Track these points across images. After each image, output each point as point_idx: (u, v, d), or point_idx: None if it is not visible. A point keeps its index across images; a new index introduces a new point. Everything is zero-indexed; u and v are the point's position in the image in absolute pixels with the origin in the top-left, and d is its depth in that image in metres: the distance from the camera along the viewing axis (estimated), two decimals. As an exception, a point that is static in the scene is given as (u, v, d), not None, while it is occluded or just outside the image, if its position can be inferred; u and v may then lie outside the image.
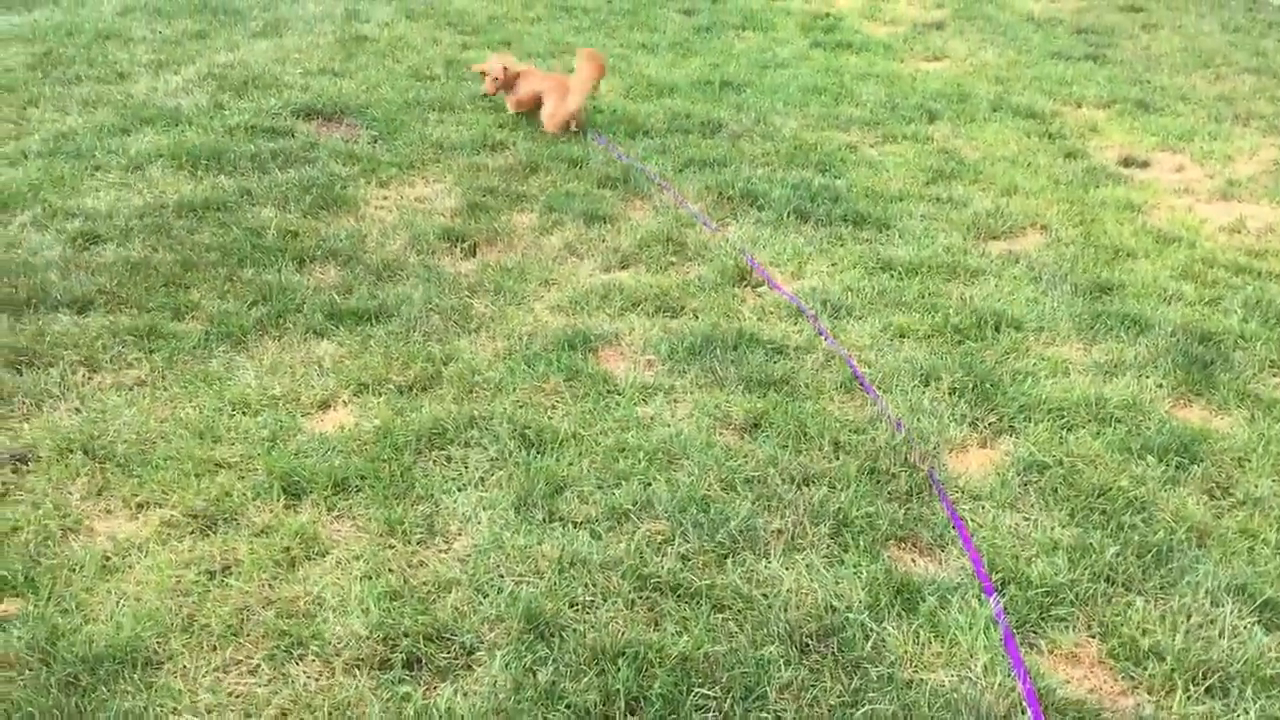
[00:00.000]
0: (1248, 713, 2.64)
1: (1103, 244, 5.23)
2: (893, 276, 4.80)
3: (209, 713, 2.54)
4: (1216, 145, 6.71)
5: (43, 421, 3.56)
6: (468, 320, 4.31)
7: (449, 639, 2.76)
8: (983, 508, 3.35)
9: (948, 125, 6.94)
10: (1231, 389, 4.03)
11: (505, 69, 6.40)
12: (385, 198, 5.49)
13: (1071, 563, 3.09)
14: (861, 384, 3.95)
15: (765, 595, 2.94)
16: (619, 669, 2.65)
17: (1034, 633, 2.89)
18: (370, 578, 2.95)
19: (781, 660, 2.73)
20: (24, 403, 3.65)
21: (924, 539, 3.20)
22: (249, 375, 3.86)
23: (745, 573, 3.02)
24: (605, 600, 2.90)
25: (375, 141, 6.15)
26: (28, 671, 2.61)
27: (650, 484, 3.35)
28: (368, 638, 2.74)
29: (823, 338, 4.25)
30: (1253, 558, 3.18)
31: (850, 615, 2.87)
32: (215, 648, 2.72)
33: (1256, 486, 3.50)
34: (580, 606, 2.88)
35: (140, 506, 3.22)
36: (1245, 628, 2.89)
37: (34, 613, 2.79)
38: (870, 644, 2.79)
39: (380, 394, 3.79)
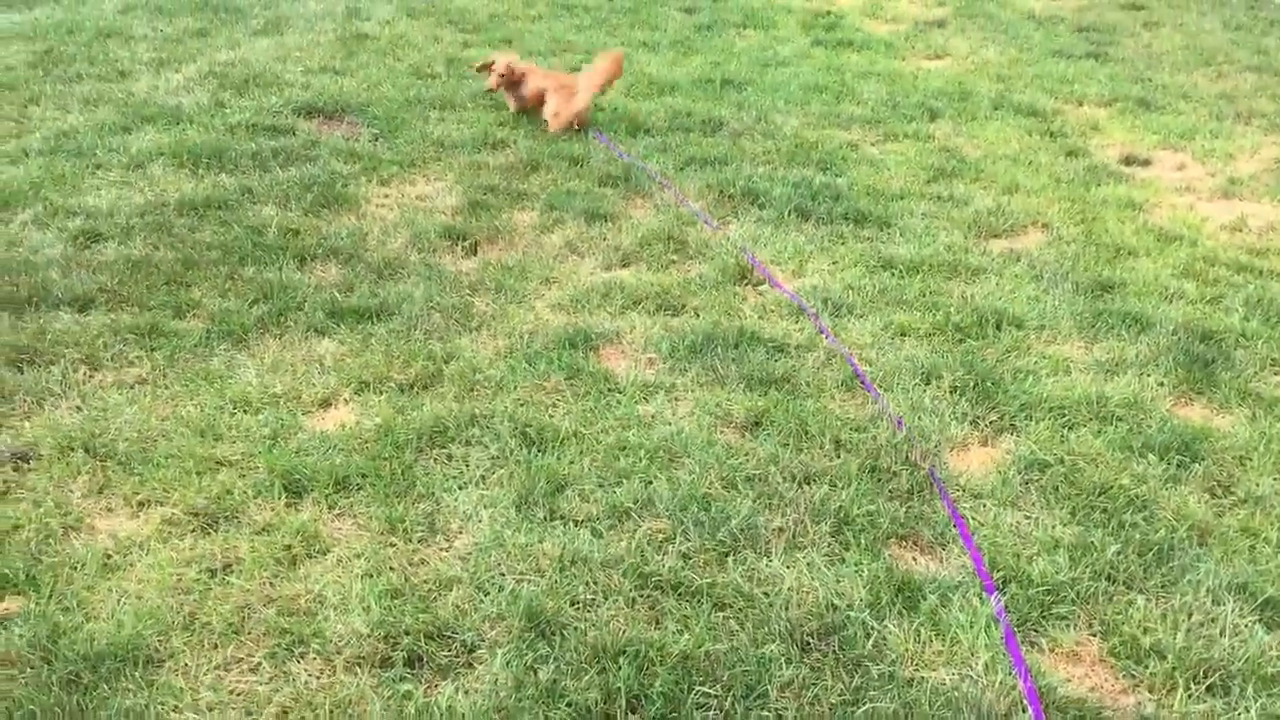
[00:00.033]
0: (1249, 711, 2.64)
1: (1104, 242, 5.23)
2: (894, 275, 4.80)
3: (210, 711, 2.54)
4: (1218, 143, 6.71)
5: (44, 419, 3.57)
6: (469, 318, 4.31)
7: (450, 637, 2.76)
8: (984, 506, 3.35)
9: (949, 123, 6.93)
10: (1233, 387, 4.03)
11: (510, 67, 6.39)
12: (386, 196, 5.49)
13: (1072, 561, 3.09)
14: (862, 382, 3.95)
15: (766, 594, 2.94)
16: (620, 667, 2.65)
17: (1035, 631, 2.89)
18: (371, 576, 2.95)
19: (782, 658, 2.73)
20: (25, 401, 3.66)
21: (925, 537, 3.20)
22: (250, 373, 3.86)
23: (746, 571, 3.02)
24: (606, 598, 2.90)
25: (376, 140, 6.15)
26: (29, 669, 2.61)
27: (651, 482, 3.35)
28: (369, 636, 2.74)
29: (824, 336, 4.25)
30: (1254, 556, 3.18)
31: (851, 613, 2.87)
32: (216, 646, 2.73)
33: (1258, 485, 3.50)
34: (581, 605, 2.89)
35: (141, 504, 3.22)
36: (1246, 626, 2.89)
37: (35, 611, 2.79)
38: (871, 642, 2.79)
39: (381, 392, 3.79)
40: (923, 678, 2.70)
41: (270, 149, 5.82)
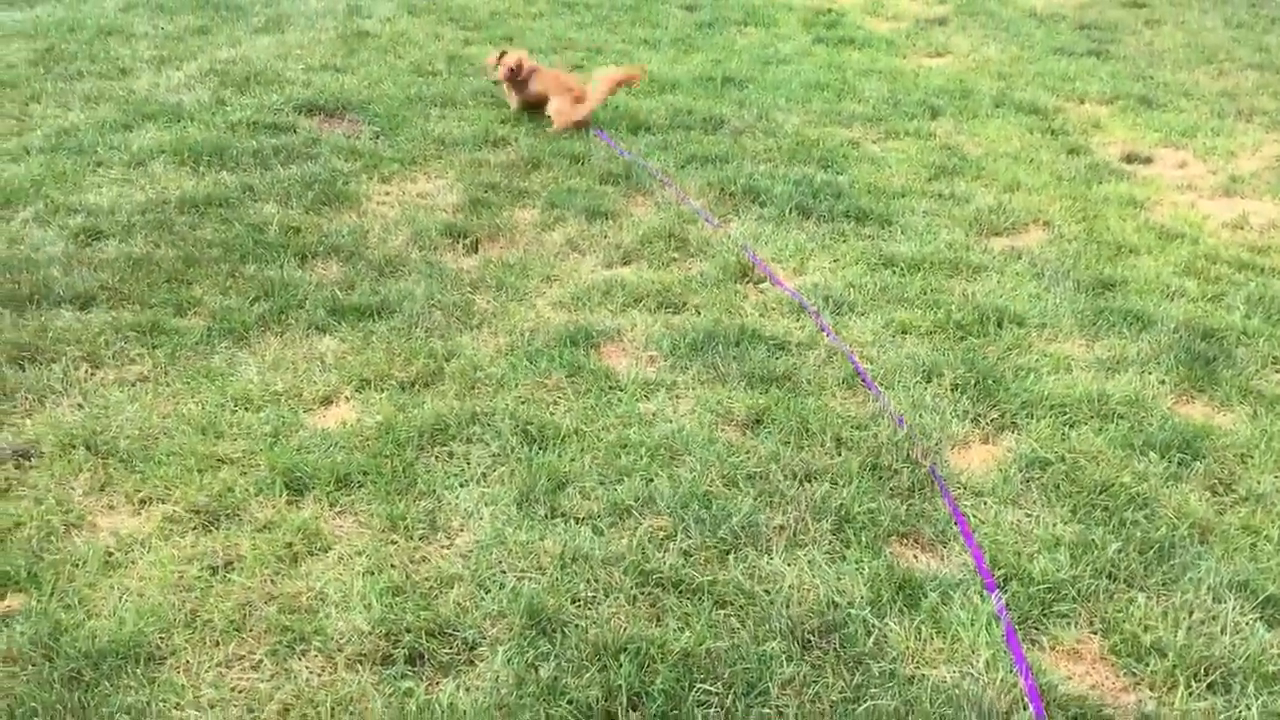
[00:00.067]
0: (1249, 709, 2.64)
1: (1105, 240, 5.23)
2: (895, 272, 4.80)
3: (212, 708, 2.54)
4: (1219, 141, 6.70)
5: (45, 417, 3.57)
6: (470, 316, 4.31)
7: (451, 634, 2.77)
8: (985, 504, 3.35)
9: (950, 121, 6.93)
10: (1234, 385, 4.03)
11: (521, 63, 6.38)
12: (387, 193, 5.49)
13: (1073, 559, 3.09)
14: (863, 380, 3.95)
15: (767, 591, 2.94)
16: (621, 665, 2.66)
17: (1036, 629, 2.89)
18: (372, 573, 2.96)
19: (783, 656, 2.73)
20: (27, 398, 3.66)
21: (926, 535, 3.21)
22: (251, 371, 3.86)
23: (747, 569, 3.02)
24: (607, 596, 2.90)
25: (377, 137, 6.15)
26: (31, 667, 2.62)
27: (652, 480, 3.35)
28: (370, 633, 2.74)
29: (825, 334, 4.25)
30: (1255, 554, 3.18)
31: (852, 611, 2.87)
32: (218, 643, 2.73)
33: (1259, 483, 3.50)
34: (582, 602, 2.89)
35: (143, 502, 3.22)
36: (1247, 624, 2.89)
37: (37, 608, 2.79)
38: (872, 640, 2.80)
39: (382, 390, 3.79)
40: (924, 675, 2.70)
41: (271, 147, 5.82)
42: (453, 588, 2.92)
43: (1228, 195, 5.97)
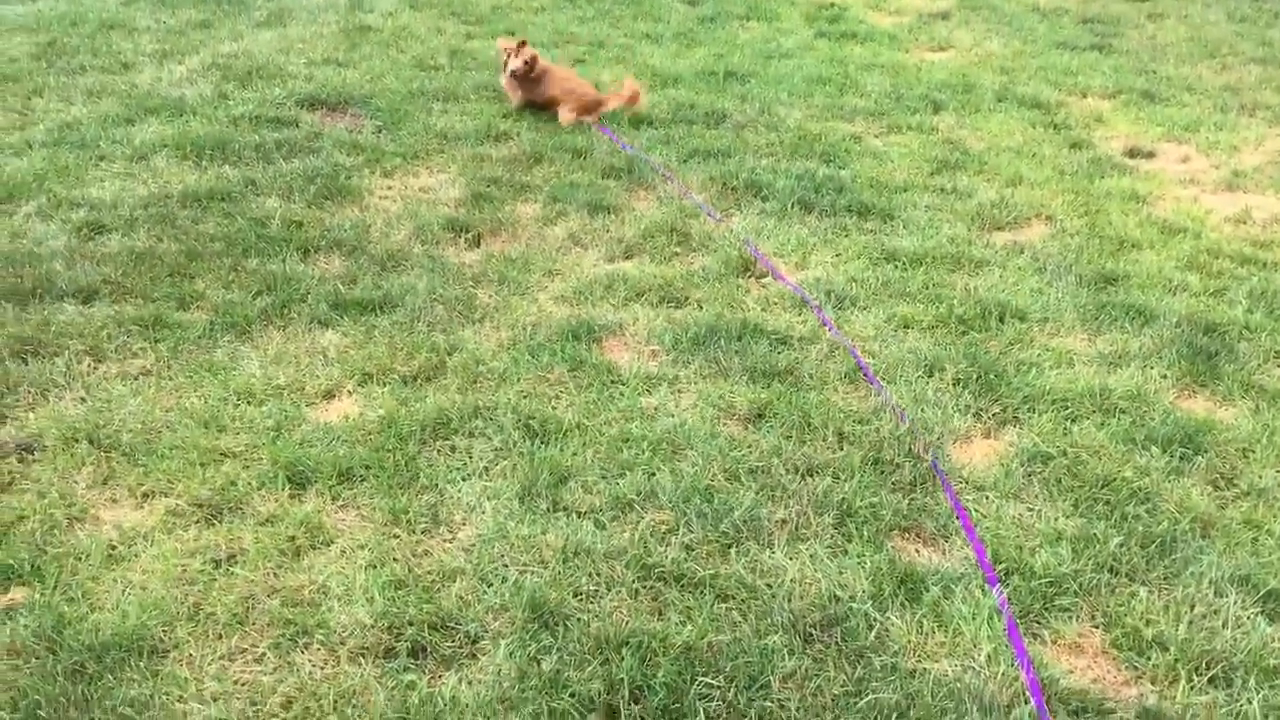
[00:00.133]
0: (1251, 703, 2.64)
1: (1108, 235, 5.22)
2: (897, 267, 4.79)
3: (215, 701, 2.55)
4: (1222, 136, 6.69)
5: (48, 411, 3.57)
6: (472, 310, 4.31)
7: (453, 628, 2.77)
8: (986, 498, 3.35)
9: (953, 116, 6.92)
10: (1236, 380, 4.02)
11: (535, 58, 6.35)
12: (389, 188, 5.48)
13: (1075, 553, 3.09)
14: (865, 375, 3.95)
15: (769, 585, 2.94)
16: (623, 658, 2.66)
17: (1037, 623, 2.89)
18: (375, 567, 2.96)
19: (785, 649, 2.73)
20: (30, 392, 3.66)
21: (928, 529, 3.21)
22: (254, 365, 3.86)
23: (749, 563, 3.03)
24: (609, 590, 2.91)
25: (379, 132, 6.14)
26: (34, 660, 2.63)
27: (654, 474, 3.36)
28: (372, 626, 2.75)
29: (827, 328, 4.25)
30: (1256, 548, 3.18)
31: (854, 605, 2.88)
32: (221, 636, 2.73)
33: (1261, 477, 3.50)
34: (584, 596, 2.89)
35: (146, 496, 3.23)
36: (1249, 618, 2.89)
37: (40, 601, 2.80)
38: (874, 634, 2.80)
39: (385, 384, 3.80)
40: (925, 669, 2.71)
41: (273, 141, 5.82)
42: (455, 581, 2.93)
43: (1230, 190, 5.96)
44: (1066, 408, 3.80)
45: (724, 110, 6.70)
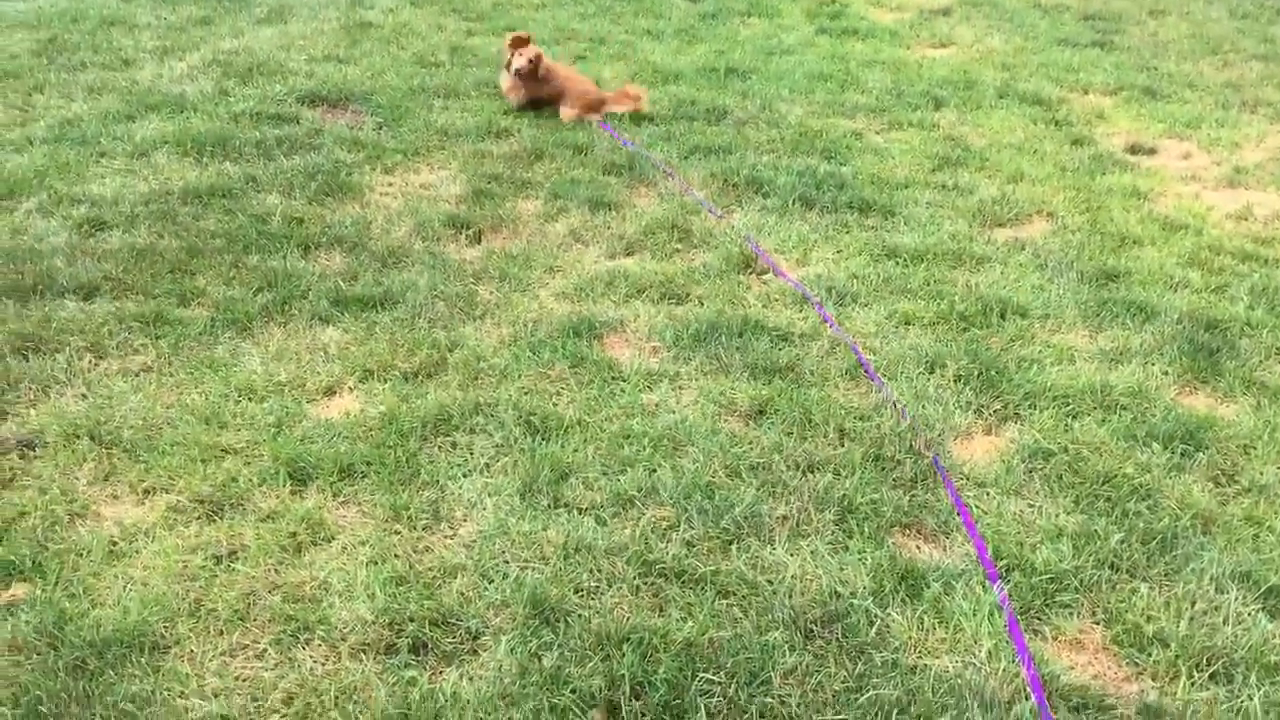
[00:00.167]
0: (1252, 699, 2.64)
1: (1109, 231, 5.22)
2: (898, 264, 4.79)
3: (216, 696, 2.55)
4: (1224, 132, 6.69)
5: (49, 407, 3.57)
6: (473, 307, 4.31)
7: (454, 624, 2.77)
8: (987, 494, 3.35)
9: (954, 112, 6.92)
10: (1237, 376, 4.02)
11: (540, 56, 6.34)
12: (390, 184, 5.48)
13: (1076, 549, 3.09)
14: (866, 371, 3.95)
15: (770, 581, 2.95)
16: (624, 654, 2.66)
17: (1038, 619, 2.89)
18: (376, 563, 2.96)
19: (786, 646, 2.73)
20: (31, 388, 3.67)
21: (928, 525, 3.21)
22: (255, 362, 3.87)
23: (750, 559, 3.03)
24: (610, 586, 2.91)
25: (380, 128, 6.14)
26: (36, 656, 2.63)
27: (655, 470, 3.36)
28: (373, 622, 2.75)
29: (828, 325, 4.25)
30: (1257, 545, 3.18)
31: (854, 601, 2.88)
32: (222, 632, 2.74)
33: (1262, 474, 3.50)
34: (585, 592, 2.89)
35: (147, 492, 3.23)
36: (1249, 614, 2.89)
37: (42, 597, 2.80)
38: (874, 630, 2.80)
39: (386, 380, 3.80)
40: (926, 665, 2.71)
41: (274, 137, 5.82)
42: (456, 577, 2.93)
43: (1232, 186, 5.96)
44: (1067, 404, 3.79)
45: (725, 107, 6.70)
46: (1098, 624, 2.89)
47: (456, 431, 3.53)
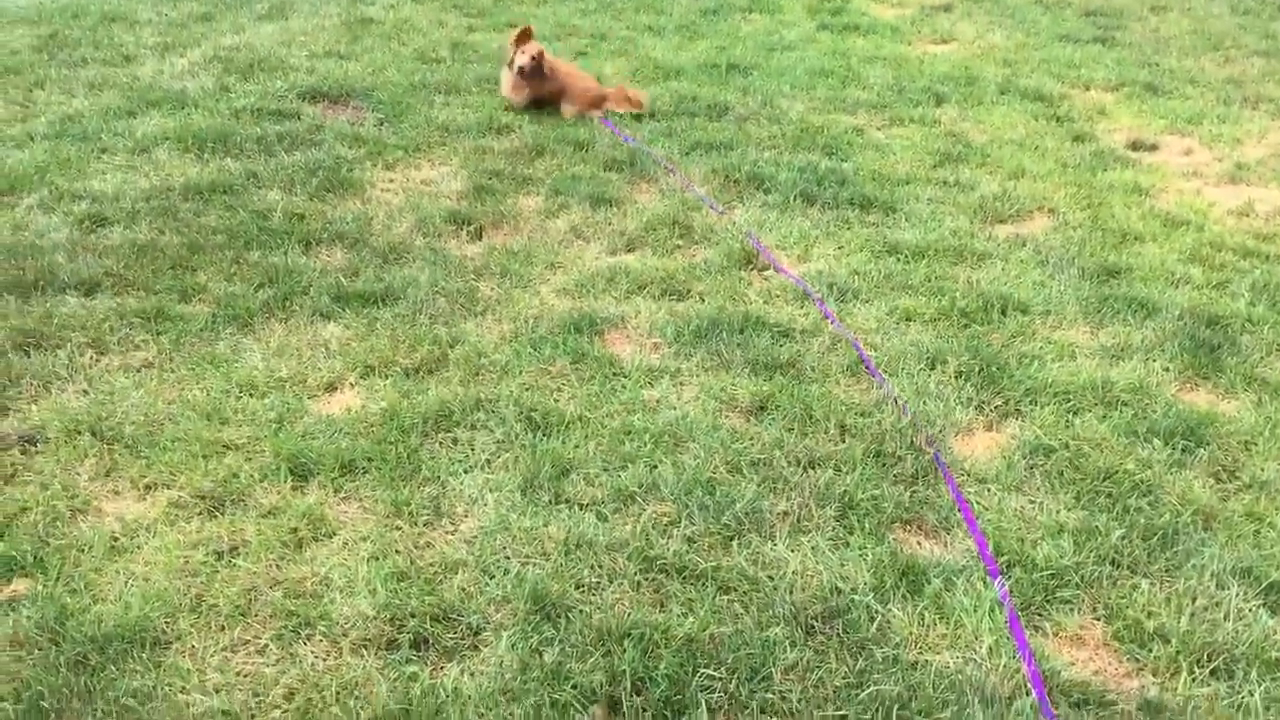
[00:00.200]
0: (1252, 695, 2.64)
1: (1110, 227, 5.22)
2: (899, 260, 4.79)
3: (217, 692, 2.55)
4: (1225, 128, 6.68)
5: (51, 403, 3.58)
6: (474, 303, 4.31)
7: (456, 620, 2.78)
8: (988, 490, 3.35)
9: (955, 108, 6.91)
10: (1238, 372, 4.02)
11: (543, 54, 6.33)
12: (391, 180, 5.48)
13: (1077, 545, 3.09)
14: (867, 367, 3.95)
15: (771, 577, 2.95)
16: (625, 650, 2.66)
17: (1039, 615, 2.89)
18: (377, 559, 2.96)
19: (787, 641, 2.74)
20: (32, 384, 3.67)
21: (929, 522, 3.21)
22: (256, 357, 3.87)
23: (751, 555, 3.03)
24: (611, 582, 2.91)
25: (381, 124, 6.14)
26: (37, 651, 2.63)
27: (656, 466, 3.36)
28: (375, 618, 2.75)
29: (829, 321, 4.25)
30: (1258, 541, 3.18)
31: (855, 597, 2.88)
32: (223, 628, 2.74)
33: (1263, 470, 3.50)
34: (586, 588, 2.90)
35: (148, 488, 3.23)
36: (1250, 610, 2.89)
37: (43, 593, 2.81)
38: (875, 626, 2.80)
39: (387, 376, 3.80)
40: (926, 661, 2.71)
41: (275, 133, 5.82)
42: (457, 573, 2.93)
43: (1233, 182, 5.95)
44: (1068, 400, 3.79)
45: (726, 103, 6.69)
46: (1098, 620, 2.89)
47: (458, 427, 3.53)
